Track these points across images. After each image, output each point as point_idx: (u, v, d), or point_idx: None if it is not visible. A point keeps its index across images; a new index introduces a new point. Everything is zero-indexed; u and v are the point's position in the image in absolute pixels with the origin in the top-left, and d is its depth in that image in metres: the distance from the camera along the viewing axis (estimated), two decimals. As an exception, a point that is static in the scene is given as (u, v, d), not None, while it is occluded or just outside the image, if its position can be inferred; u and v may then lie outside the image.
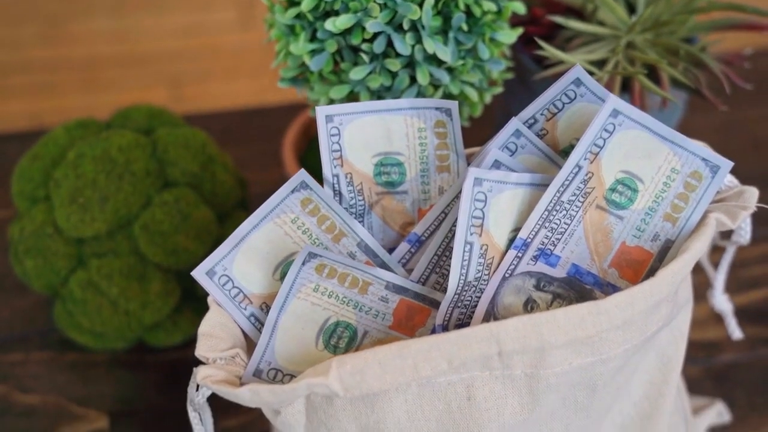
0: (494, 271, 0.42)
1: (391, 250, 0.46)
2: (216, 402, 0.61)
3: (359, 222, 0.46)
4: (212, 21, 1.01)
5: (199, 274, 0.43)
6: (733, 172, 0.44)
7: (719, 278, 0.53)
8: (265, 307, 0.44)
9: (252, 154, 0.78)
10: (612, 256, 0.43)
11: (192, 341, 0.63)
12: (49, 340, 0.65)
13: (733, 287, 0.69)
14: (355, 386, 0.39)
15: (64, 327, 0.60)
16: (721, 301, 0.53)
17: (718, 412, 0.61)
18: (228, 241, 0.44)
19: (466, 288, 0.42)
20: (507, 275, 0.42)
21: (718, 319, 0.67)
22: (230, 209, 0.59)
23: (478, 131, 0.70)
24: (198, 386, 0.43)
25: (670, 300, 0.42)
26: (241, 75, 0.95)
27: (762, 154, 0.80)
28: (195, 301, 0.60)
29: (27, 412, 0.61)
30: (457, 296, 0.42)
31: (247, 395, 0.40)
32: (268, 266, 0.44)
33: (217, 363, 0.41)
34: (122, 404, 0.62)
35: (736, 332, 0.53)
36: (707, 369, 0.65)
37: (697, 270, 0.69)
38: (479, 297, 0.42)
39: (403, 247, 0.45)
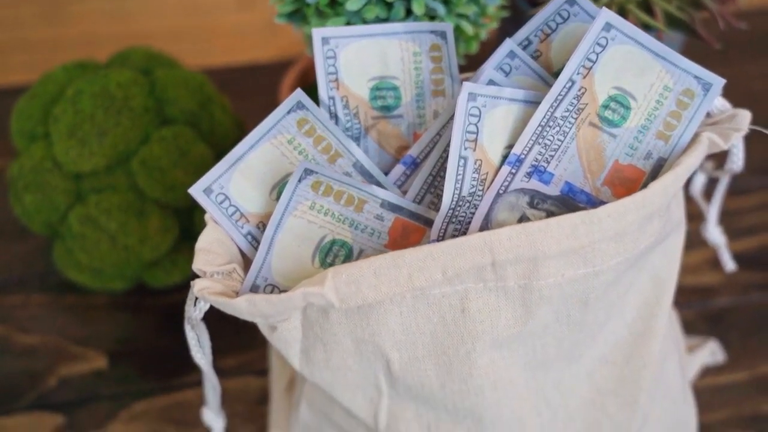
0: (488, 187, 0.43)
1: (386, 175, 0.47)
2: (215, 342, 0.62)
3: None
4: (211, 1, 1.01)
5: (196, 191, 0.44)
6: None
7: (712, 211, 0.53)
8: (262, 227, 0.44)
9: (251, 107, 0.79)
10: (605, 175, 0.43)
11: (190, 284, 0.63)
12: (48, 283, 0.66)
13: (728, 235, 0.69)
14: (350, 296, 0.40)
15: (64, 266, 0.60)
16: (715, 234, 0.53)
17: (712, 350, 0.61)
18: (224, 160, 0.44)
19: (461, 203, 0.43)
20: (501, 192, 0.43)
21: (712, 264, 0.68)
22: (228, 148, 0.60)
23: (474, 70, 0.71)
24: (195, 301, 0.43)
25: (662, 215, 0.42)
26: (240, 54, 0.95)
27: (761, 108, 0.81)
28: (194, 241, 0.60)
29: (27, 351, 0.62)
30: (451, 211, 0.42)
31: (243, 306, 0.40)
32: (264, 186, 0.45)
33: (214, 277, 0.42)
34: (121, 344, 0.63)
35: (729, 264, 0.54)
36: (701, 312, 0.65)
37: (693, 217, 0.70)
38: (473, 213, 0.43)
39: (399, 169, 0.46)
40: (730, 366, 0.62)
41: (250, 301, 0.40)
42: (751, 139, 0.75)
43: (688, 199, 0.69)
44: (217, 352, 0.62)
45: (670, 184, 0.41)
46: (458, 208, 0.43)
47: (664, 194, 0.41)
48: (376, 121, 0.47)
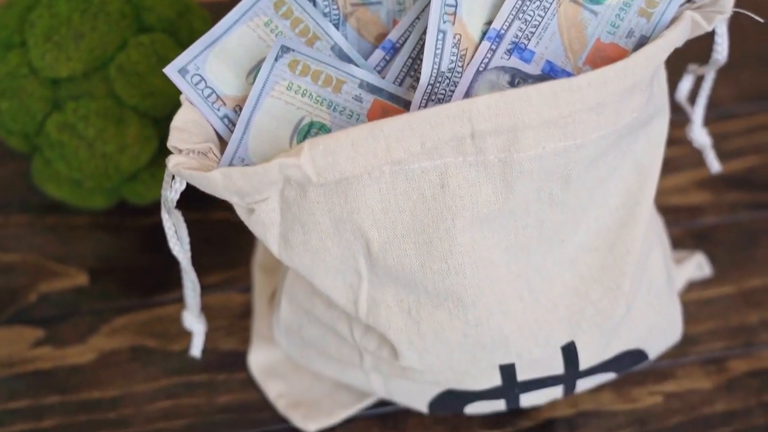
0: (468, 64, 0.42)
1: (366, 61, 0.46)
2: (198, 261, 0.61)
3: (334, 34, 0.46)
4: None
5: (170, 71, 0.43)
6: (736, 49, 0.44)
7: (698, 111, 0.53)
8: (239, 110, 0.44)
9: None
10: (586, 54, 0.43)
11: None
12: (28, 204, 0.65)
13: (717, 157, 0.69)
14: (327, 169, 0.39)
15: (43, 181, 0.59)
16: (700, 135, 0.53)
17: (699, 263, 0.61)
18: (200, 41, 0.43)
19: (440, 79, 0.42)
20: (481, 69, 0.42)
21: (699, 185, 0.67)
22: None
23: None
24: (172, 181, 0.42)
25: (644, 90, 0.41)
26: None
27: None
28: (174, 154, 0.59)
29: (6, 269, 0.61)
30: (430, 87, 0.42)
31: (218, 179, 0.40)
32: (240, 69, 0.44)
33: (190, 156, 0.41)
34: (102, 262, 0.62)
35: (714, 165, 0.53)
36: (689, 230, 0.65)
37: (681, 141, 0.69)
38: (453, 90, 0.42)
39: (378, 55, 0.45)
40: (717, 280, 0.61)
41: (225, 174, 0.39)
42: (739, 67, 0.75)
43: (677, 124, 0.68)
44: (200, 270, 0.61)
45: (651, 55, 0.40)
46: (437, 84, 0.42)
47: (646, 65, 0.40)
48: (355, 8, 0.46)
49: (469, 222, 0.41)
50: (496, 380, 0.46)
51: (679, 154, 0.69)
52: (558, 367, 0.46)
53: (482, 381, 0.46)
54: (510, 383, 0.46)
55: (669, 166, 0.68)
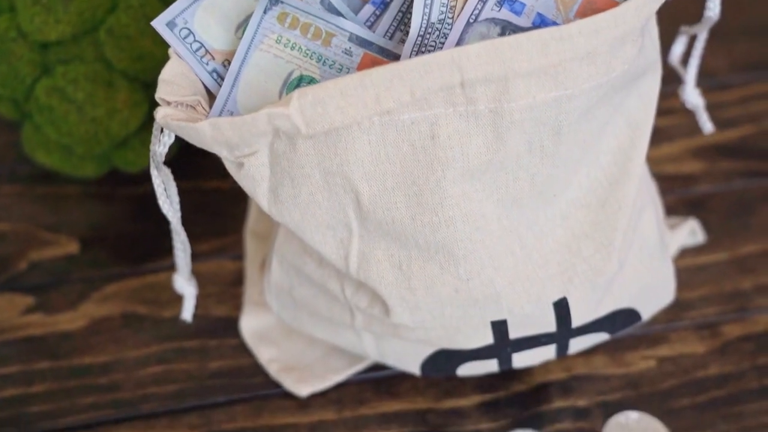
0: (458, 15, 0.42)
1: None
2: (190, 230, 0.61)
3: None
4: None
5: (158, 24, 0.42)
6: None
7: (690, 72, 0.52)
8: (228, 64, 0.43)
9: None
10: (577, 6, 0.42)
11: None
12: (18, 174, 0.64)
13: (709, 119, 0.69)
14: (316, 119, 0.39)
15: (33, 149, 0.59)
16: (693, 95, 0.52)
17: (692, 229, 0.60)
18: (188, -6, 0.43)
19: (430, 30, 0.42)
20: (471, 20, 0.42)
21: (693, 154, 0.67)
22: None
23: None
24: (160, 135, 0.42)
25: (635, 40, 0.41)
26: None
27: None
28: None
29: (-4, 237, 0.61)
30: (420, 38, 0.41)
31: (207, 130, 0.39)
32: (229, 23, 0.44)
33: (178, 108, 0.41)
34: (93, 231, 0.62)
35: (707, 126, 0.53)
36: (683, 198, 0.64)
37: (675, 110, 0.69)
38: (443, 42, 0.42)
39: (368, 9, 0.45)
40: (711, 247, 0.61)
41: (213, 124, 0.39)
42: (733, 37, 0.75)
43: (671, 94, 0.68)
44: (192, 238, 0.61)
45: (642, 4, 0.40)
46: (427, 36, 0.42)
47: (637, 14, 0.40)
48: (344, -36, 0.46)
49: (460, 174, 0.41)
50: (488, 338, 0.46)
51: (673, 123, 0.69)
52: (550, 325, 0.46)
53: (474, 339, 0.46)
54: (502, 341, 0.46)
55: (663, 136, 0.68)
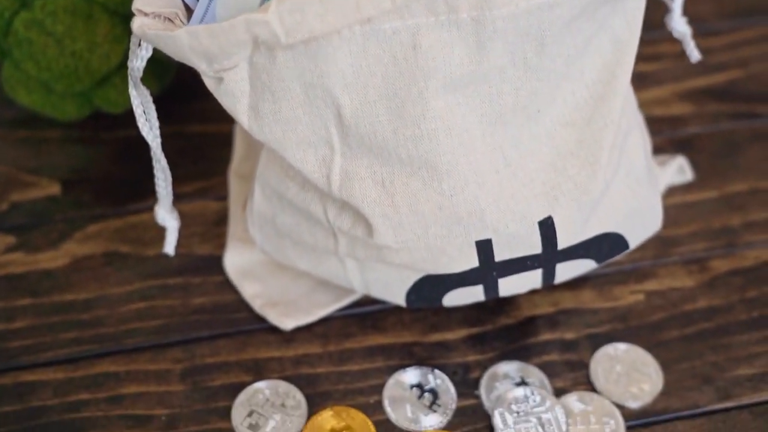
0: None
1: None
2: (174, 172, 0.60)
3: None
4: None
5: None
6: None
7: (677, 0, 0.52)
8: (206, -21, 0.43)
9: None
10: None
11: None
12: (-1, 118, 0.64)
13: (699, 71, 0.68)
14: (295, 27, 0.38)
15: (13, 88, 0.58)
16: (680, 23, 0.52)
17: (680, 166, 0.60)
18: None
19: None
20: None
21: (681, 97, 0.67)
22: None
23: None
24: (138, 48, 0.41)
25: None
26: None
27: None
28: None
29: (-23, 180, 0.60)
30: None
31: (184, 38, 0.39)
32: (208, -63, 0.43)
33: (156, 19, 0.40)
34: (75, 173, 0.61)
35: (694, 53, 0.53)
36: (671, 139, 0.64)
37: (664, 55, 0.69)
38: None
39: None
40: (699, 185, 0.61)
41: (191, 32, 0.38)
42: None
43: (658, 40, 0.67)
44: (176, 180, 0.60)
45: None
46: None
47: None
48: None
49: (442, 85, 0.40)
50: (473, 260, 0.45)
51: (661, 68, 0.69)
52: (536, 246, 0.45)
53: (459, 261, 0.45)
54: (487, 264, 0.45)
55: (651, 80, 0.68)
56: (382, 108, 0.41)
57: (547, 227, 0.45)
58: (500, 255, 0.45)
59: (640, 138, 0.48)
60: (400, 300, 0.49)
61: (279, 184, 0.47)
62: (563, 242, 0.46)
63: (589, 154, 0.44)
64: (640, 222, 0.49)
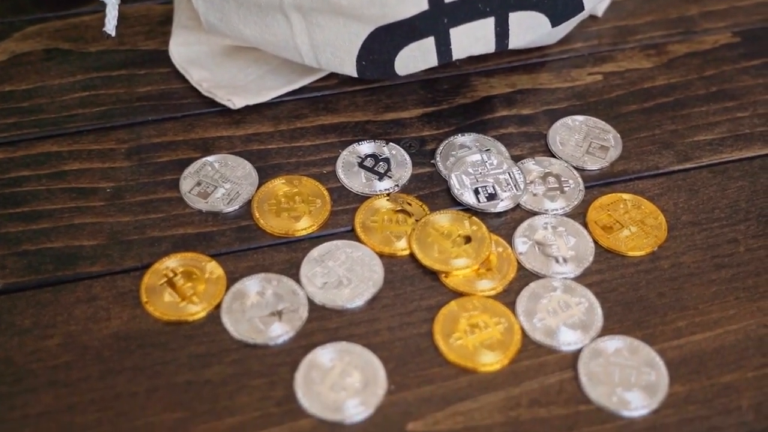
0: None
1: None
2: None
3: None
4: None
5: None
6: None
7: None
8: None
9: None
10: None
11: None
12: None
13: None
14: None
15: None
16: None
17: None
18: None
19: None
20: None
21: None
22: None
23: None
24: None
25: None
26: None
27: None
28: None
29: None
30: None
31: None
32: None
33: None
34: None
35: None
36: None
37: None
38: None
39: None
40: (656, -20, 0.60)
41: None
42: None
43: None
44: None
45: None
46: None
47: None
48: None
49: None
50: (422, 3, 0.44)
51: None
52: (486, -14, 0.44)
53: (407, 4, 0.44)
54: (437, 5, 0.44)
55: None
56: None
57: (497, -39, 0.43)
58: (450, -5, 0.44)
59: None
60: (350, 68, 0.48)
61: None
62: (515, -17, 0.44)
63: None
64: (595, -21, 0.48)
